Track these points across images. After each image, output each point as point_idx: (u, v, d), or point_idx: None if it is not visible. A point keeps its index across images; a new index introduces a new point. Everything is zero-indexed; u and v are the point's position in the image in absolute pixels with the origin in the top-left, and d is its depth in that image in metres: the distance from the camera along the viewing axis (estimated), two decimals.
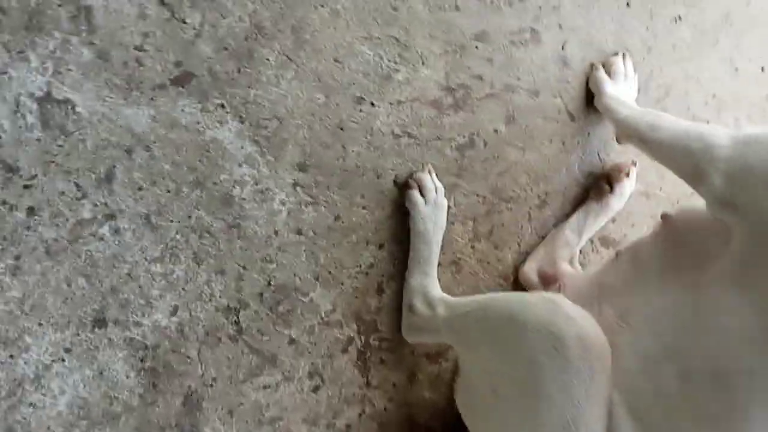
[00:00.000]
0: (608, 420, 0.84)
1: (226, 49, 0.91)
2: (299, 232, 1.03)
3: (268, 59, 0.94)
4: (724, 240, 0.83)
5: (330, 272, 1.08)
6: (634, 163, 1.23)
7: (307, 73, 0.97)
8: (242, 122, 0.95)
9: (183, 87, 0.90)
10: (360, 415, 1.17)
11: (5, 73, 0.80)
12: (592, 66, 1.16)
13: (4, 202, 0.85)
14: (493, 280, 1.21)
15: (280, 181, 1.00)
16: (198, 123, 0.92)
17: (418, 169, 1.08)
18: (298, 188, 1.01)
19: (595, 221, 1.22)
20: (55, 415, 0.94)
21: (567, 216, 1.24)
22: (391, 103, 1.03)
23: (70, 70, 0.83)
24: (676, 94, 1.24)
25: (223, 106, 0.93)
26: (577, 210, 1.23)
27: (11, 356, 0.90)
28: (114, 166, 0.89)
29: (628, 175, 1.23)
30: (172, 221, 0.95)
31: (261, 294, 1.03)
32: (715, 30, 1.23)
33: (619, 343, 0.87)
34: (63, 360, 0.93)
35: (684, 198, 1.28)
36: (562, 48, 1.12)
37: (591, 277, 1.08)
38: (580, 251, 1.25)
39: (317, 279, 1.07)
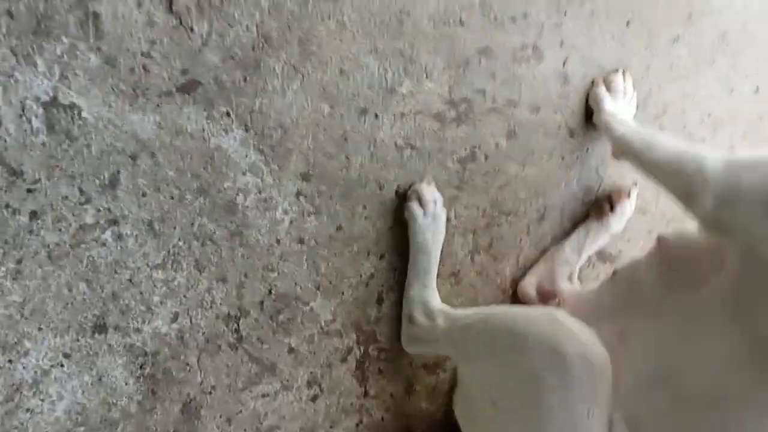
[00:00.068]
0: None
1: (232, 58, 0.88)
2: (301, 241, 1.01)
3: (274, 69, 0.92)
4: (717, 264, 0.81)
5: (331, 282, 1.05)
6: (635, 184, 1.22)
7: (313, 83, 0.94)
8: (247, 131, 0.92)
9: (189, 95, 0.87)
10: (357, 425, 1.14)
11: (12, 76, 0.78)
12: (592, 82, 1.14)
13: (7, 206, 0.82)
14: (491, 292, 1.19)
15: (284, 190, 0.97)
16: (203, 131, 0.90)
17: (418, 181, 1.06)
18: (301, 197, 0.99)
19: (594, 240, 1.21)
20: (53, 421, 0.91)
21: (565, 231, 1.22)
22: (394, 115, 1.01)
23: (76, 75, 0.81)
24: (673, 112, 1.22)
25: (228, 114, 0.91)
26: (577, 228, 1.22)
27: (10, 361, 0.87)
28: (118, 172, 0.86)
29: (628, 196, 1.22)
30: (174, 228, 0.92)
31: (262, 302, 1.01)
32: (712, 50, 1.21)
33: (618, 362, 0.85)
34: (62, 365, 0.90)
35: (679, 215, 1.26)
36: (563, 65, 1.11)
37: (589, 294, 1.07)
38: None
39: (318, 288, 1.04)
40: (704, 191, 0.80)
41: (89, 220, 0.87)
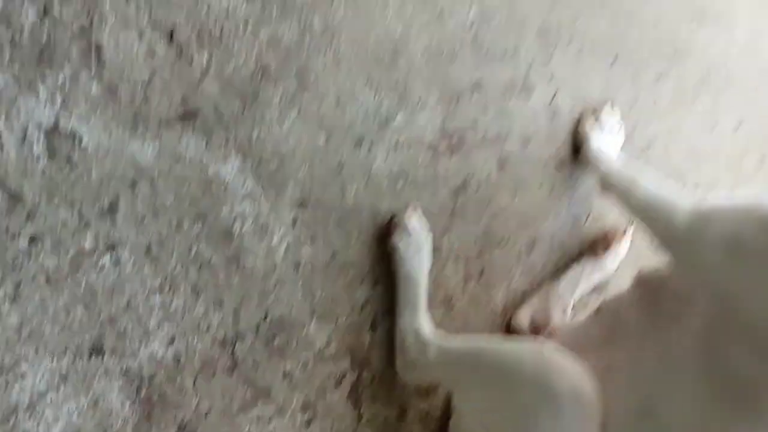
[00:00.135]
0: None
1: (231, 88, 0.87)
2: (297, 268, 0.99)
3: (272, 100, 0.91)
4: (688, 300, 0.81)
5: (325, 307, 1.03)
6: (632, 224, 1.20)
7: (310, 114, 0.93)
8: (245, 159, 0.91)
9: (188, 123, 0.86)
10: None
11: (15, 103, 0.76)
12: (580, 117, 1.13)
13: (7, 230, 0.79)
14: (483, 319, 1.17)
15: (280, 218, 0.95)
16: (202, 159, 0.88)
17: (400, 212, 1.03)
18: (297, 225, 0.97)
19: (589, 279, 1.20)
20: None
21: (554, 261, 1.21)
22: (389, 146, 1.00)
23: (78, 103, 0.79)
24: (658, 146, 1.22)
25: (226, 143, 0.89)
26: (573, 266, 1.20)
27: (6, 383, 0.84)
28: (117, 198, 0.85)
29: (624, 236, 1.20)
30: (172, 253, 0.90)
31: (257, 327, 0.98)
32: (696, 87, 1.21)
33: (606, 395, 0.83)
34: (58, 388, 0.87)
35: None
36: (552, 99, 1.10)
37: (578, 328, 1.05)
38: None
39: (313, 314, 1.02)
40: (673, 237, 0.84)
41: (88, 244, 0.84)
